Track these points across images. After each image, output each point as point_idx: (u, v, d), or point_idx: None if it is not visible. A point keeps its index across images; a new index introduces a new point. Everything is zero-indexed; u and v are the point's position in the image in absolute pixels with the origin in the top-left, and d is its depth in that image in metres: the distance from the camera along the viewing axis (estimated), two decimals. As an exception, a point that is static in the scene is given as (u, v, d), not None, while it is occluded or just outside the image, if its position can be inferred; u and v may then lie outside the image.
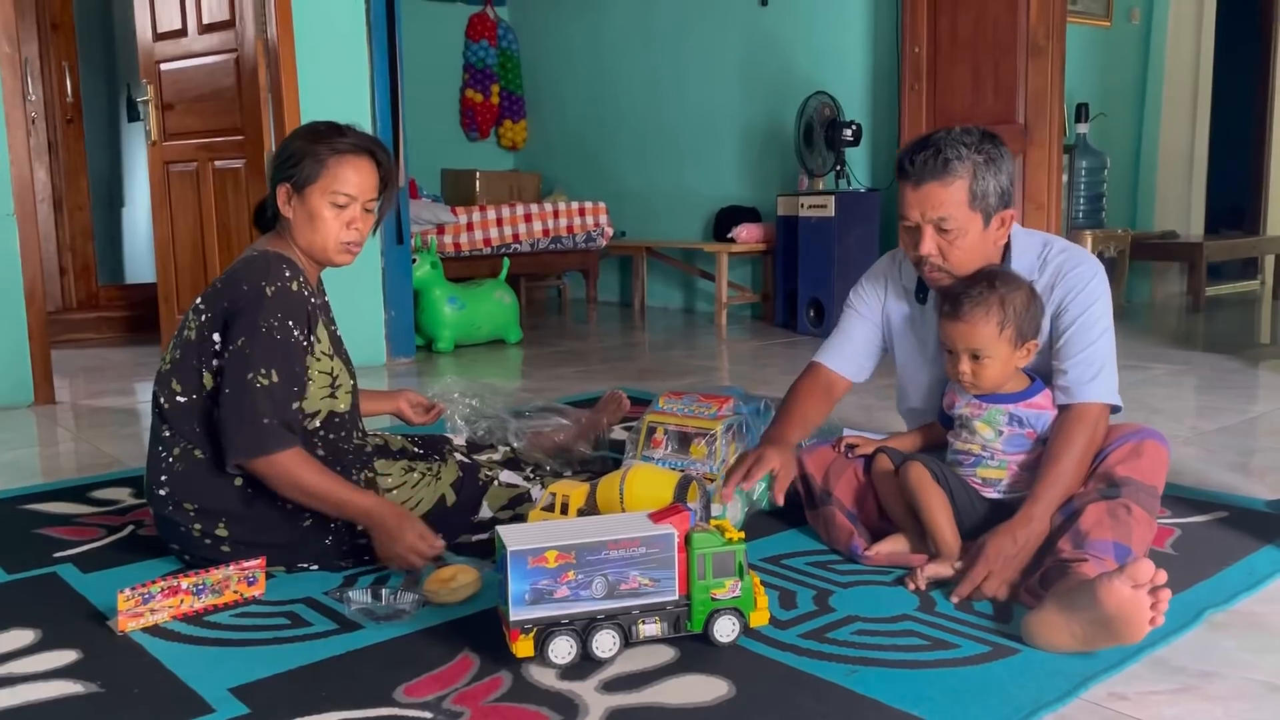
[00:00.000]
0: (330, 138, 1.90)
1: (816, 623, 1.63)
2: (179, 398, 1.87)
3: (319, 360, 1.90)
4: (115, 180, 7.03)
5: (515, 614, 1.46)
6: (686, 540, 1.54)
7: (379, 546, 1.84)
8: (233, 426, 1.77)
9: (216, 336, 1.85)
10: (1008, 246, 1.94)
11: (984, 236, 1.85)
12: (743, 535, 1.57)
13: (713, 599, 1.53)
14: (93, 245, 5.93)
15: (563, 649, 1.47)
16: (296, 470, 1.79)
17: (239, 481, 1.85)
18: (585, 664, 1.48)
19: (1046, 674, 1.44)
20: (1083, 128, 5.41)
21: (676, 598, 1.53)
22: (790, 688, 1.42)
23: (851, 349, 2.12)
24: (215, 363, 1.85)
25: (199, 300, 1.90)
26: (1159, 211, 6.23)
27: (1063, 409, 1.85)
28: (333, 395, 1.94)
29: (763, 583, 1.80)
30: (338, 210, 1.89)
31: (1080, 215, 5.46)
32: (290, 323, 1.83)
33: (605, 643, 1.49)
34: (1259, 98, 6.75)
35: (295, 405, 1.84)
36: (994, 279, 1.83)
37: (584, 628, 1.48)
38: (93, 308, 5.76)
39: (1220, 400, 3.38)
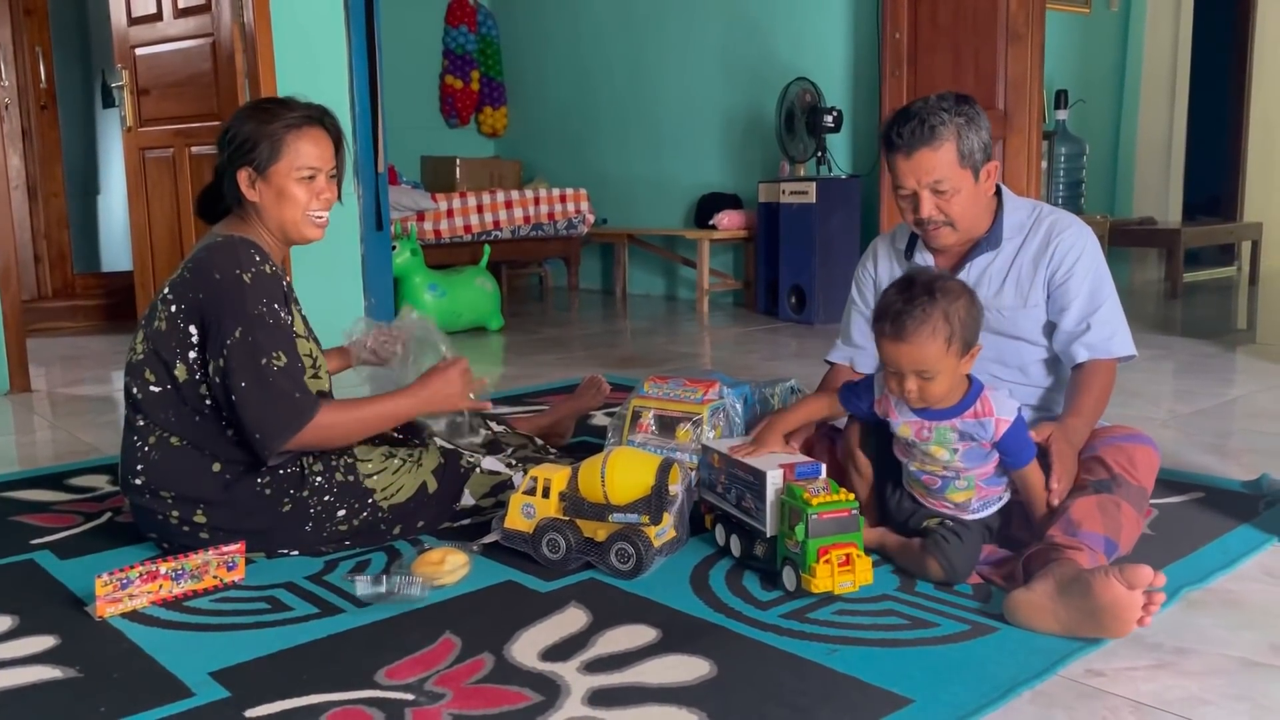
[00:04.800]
0: (280, 114, 1.88)
1: (797, 603, 1.64)
2: (153, 388, 1.85)
3: (299, 342, 1.89)
4: (90, 167, 6.95)
5: None
6: None
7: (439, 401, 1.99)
8: (263, 414, 1.76)
9: (193, 329, 1.82)
10: (1000, 204, 2.04)
11: (976, 190, 1.97)
12: None
13: None
14: (68, 233, 5.87)
15: None
16: (341, 416, 1.85)
17: (216, 467, 1.84)
18: (566, 644, 1.49)
19: (1025, 651, 1.45)
20: (1062, 114, 5.43)
21: None
22: (771, 667, 1.42)
23: (857, 342, 2.21)
24: (191, 354, 1.83)
25: (166, 290, 1.87)
26: (1137, 198, 6.26)
27: (1082, 364, 1.95)
28: (316, 375, 1.93)
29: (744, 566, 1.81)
30: (306, 184, 1.89)
31: (1059, 201, 5.49)
32: (275, 305, 1.82)
33: None
34: (1236, 85, 6.79)
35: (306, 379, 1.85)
36: (932, 288, 1.68)
37: None
38: (68, 296, 5.70)
39: (1197, 384, 3.41)
